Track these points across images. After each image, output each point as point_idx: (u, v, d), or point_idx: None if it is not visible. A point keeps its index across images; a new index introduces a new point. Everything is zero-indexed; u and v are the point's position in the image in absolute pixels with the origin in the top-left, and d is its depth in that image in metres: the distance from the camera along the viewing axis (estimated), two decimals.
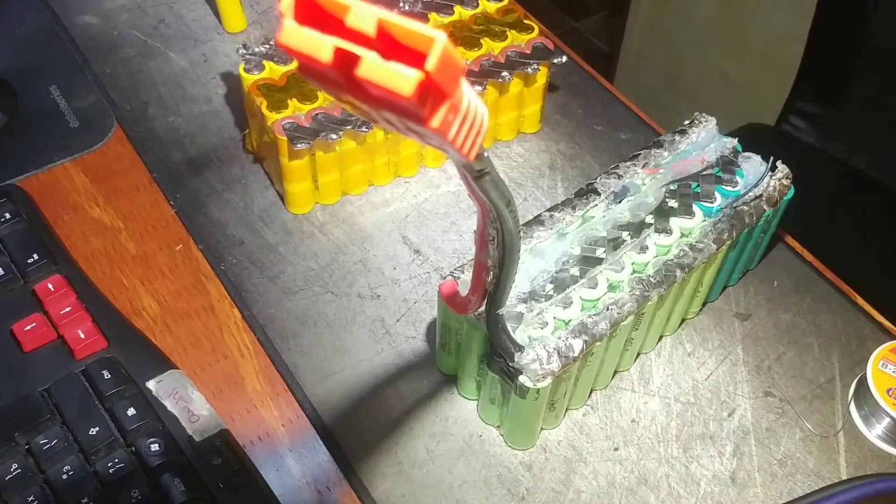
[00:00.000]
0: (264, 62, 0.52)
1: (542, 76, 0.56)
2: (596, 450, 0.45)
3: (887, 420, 0.45)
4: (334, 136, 0.50)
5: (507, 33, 0.55)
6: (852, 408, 0.47)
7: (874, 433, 0.46)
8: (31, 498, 0.40)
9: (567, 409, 0.46)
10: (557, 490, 0.43)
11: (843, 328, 0.50)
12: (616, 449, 0.45)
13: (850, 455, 0.45)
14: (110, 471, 0.41)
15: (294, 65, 0.52)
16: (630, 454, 0.45)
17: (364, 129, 0.50)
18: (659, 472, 0.44)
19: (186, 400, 0.44)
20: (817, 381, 0.48)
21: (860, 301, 0.51)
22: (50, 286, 0.48)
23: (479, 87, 0.53)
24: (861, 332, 0.50)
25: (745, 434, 0.46)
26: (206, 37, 0.64)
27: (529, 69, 0.54)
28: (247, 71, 0.52)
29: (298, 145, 0.49)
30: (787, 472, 0.45)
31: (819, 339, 0.50)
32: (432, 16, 0.56)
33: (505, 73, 0.53)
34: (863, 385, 0.46)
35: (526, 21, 0.57)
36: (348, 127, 0.50)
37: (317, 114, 0.50)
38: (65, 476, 0.41)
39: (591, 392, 0.47)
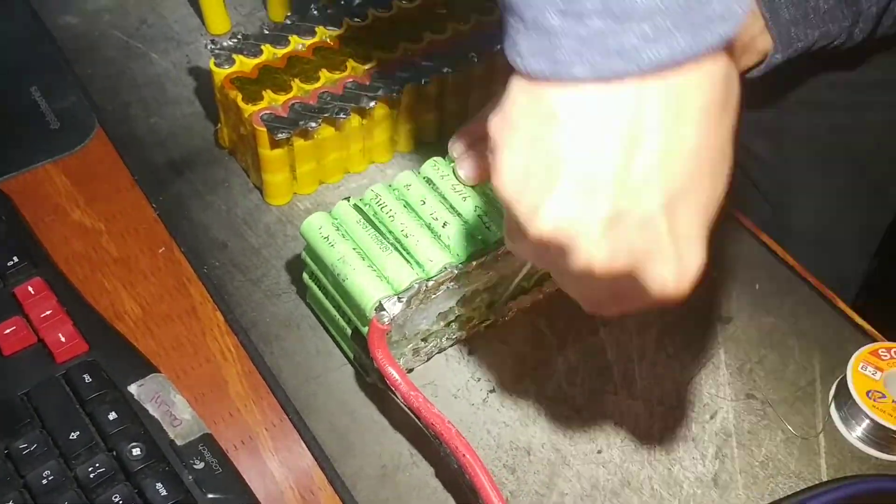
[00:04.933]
0: (234, 56, 0.52)
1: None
2: (579, 452, 0.45)
3: (867, 422, 0.45)
4: (314, 125, 0.50)
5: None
6: (833, 410, 0.47)
7: (854, 435, 0.46)
8: (11, 503, 0.40)
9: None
10: (541, 493, 0.44)
11: (823, 331, 0.51)
12: (599, 451, 0.45)
13: (831, 457, 0.46)
14: (91, 475, 0.41)
15: (265, 56, 0.52)
16: (613, 457, 0.45)
17: (341, 115, 0.51)
18: (642, 474, 0.44)
19: (168, 404, 0.44)
20: (798, 384, 0.48)
21: (840, 304, 0.52)
22: (30, 289, 0.47)
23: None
24: (841, 334, 0.50)
25: (727, 436, 0.46)
26: (189, 38, 0.63)
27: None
28: (217, 65, 0.52)
29: (279, 135, 0.49)
30: (768, 474, 0.45)
31: (800, 341, 0.50)
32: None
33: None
34: (843, 387, 0.46)
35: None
36: (325, 114, 0.50)
37: (293, 103, 0.51)
38: (44, 481, 0.40)
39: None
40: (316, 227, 0.45)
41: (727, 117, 0.32)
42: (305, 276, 0.47)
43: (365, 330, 0.42)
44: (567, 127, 0.30)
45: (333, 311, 0.46)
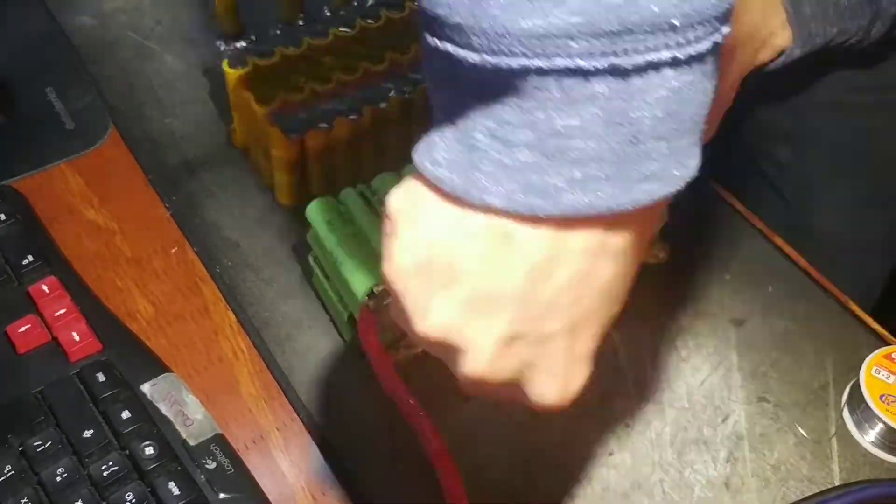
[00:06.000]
0: (247, 57, 0.52)
1: None
2: (590, 455, 0.45)
3: (880, 426, 0.45)
4: (325, 125, 0.50)
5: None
6: (846, 413, 0.47)
7: (867, 439, 0.46)
8: (25, 500, 0.40)
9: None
10: (552, 495, 0.44)
11: (836, 334, 0.50)
12: (611, 454, 0.45)
13: (844, 460, 0.45)
14: (104, 473, 0.41)
15: (277, 57, 0.52)
16: (624, 459, 0.45)
17: (353, 116, 0.51)
18: (653, 477, 0.44)
19: (181, 403, 0.44)
20: (811, 387, 0.48)
21: (854, 307, 0.52)
22: (44, 288, 0.48)
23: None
24: (854, 338, 0.50)
25: (739, 439, 0.46)
26: (203, 39, 0.63)
27: None
28: (231, 66, 0.52)
29: (292, 135, 0.50)
30: (780, 478, 0.45)
31: (813, 344, 0.50)
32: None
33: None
34: (856, 391, 0.46)
35: None
36: (338, 115, 0.51)
37: (306, 104, 0.51)
38: (58, 478, 0.41)
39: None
40: (320, 210, 0.46)
41: (643, 249, 0.31)
42: (310, 258, 0.48)
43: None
44: (475, 241, 0.29)
45: (332, 294, 0.47)
